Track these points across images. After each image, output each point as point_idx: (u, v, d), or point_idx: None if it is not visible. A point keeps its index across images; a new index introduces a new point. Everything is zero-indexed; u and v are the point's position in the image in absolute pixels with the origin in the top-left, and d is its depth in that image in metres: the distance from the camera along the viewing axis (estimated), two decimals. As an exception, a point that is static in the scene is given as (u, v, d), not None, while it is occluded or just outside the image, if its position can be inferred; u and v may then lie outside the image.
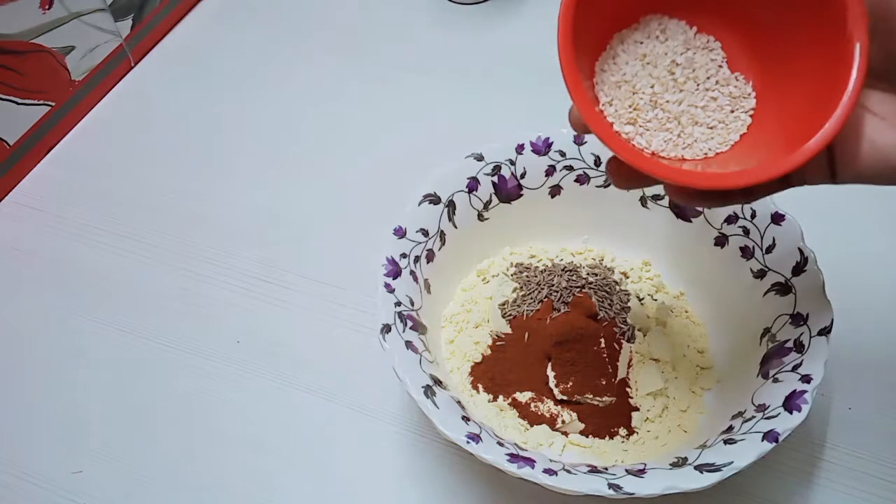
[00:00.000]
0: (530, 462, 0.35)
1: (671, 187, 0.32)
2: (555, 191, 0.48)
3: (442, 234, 0.46)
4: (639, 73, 0.32)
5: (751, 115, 0.33)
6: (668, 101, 0.32)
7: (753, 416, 0.38)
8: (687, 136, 0.32)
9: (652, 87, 0.32)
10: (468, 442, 0.36)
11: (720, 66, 0.33)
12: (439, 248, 0.46)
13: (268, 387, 0.48)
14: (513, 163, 0.47)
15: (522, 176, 0.48)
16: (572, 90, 0.29)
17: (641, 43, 0.33)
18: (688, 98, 0.32)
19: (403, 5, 0.71)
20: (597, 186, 0.48)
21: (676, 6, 0.33)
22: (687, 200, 0.32)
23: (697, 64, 0.33)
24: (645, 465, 0.36)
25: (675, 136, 0.32)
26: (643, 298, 0.48)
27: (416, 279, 0.44)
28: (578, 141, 0.48)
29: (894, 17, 0.28)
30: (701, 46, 0.33)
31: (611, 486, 0.35)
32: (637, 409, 0.44)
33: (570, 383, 0.43)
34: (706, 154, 0.32)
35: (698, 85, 0.32)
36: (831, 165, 0.30)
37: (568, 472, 0.36)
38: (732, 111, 0.33)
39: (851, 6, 0.28)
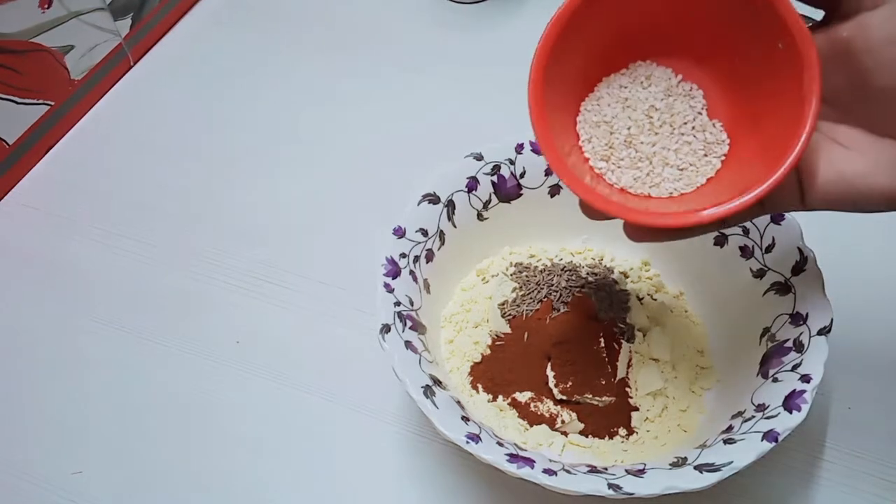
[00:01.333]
0: (530, 462, 0.35)
1: (627, 226, 0.34)
2: (554, 190, 0.48)
3: (441, 234, 0.46)
4: (618, 115, 0.35)
5: (721, 160, 0.34)
6: (642, 143, 0.35)
7: (753, 416, 0.38)
8: (656, 175, 0.34)
9: (629, 128, 0.35)
10: (468, 442, 0.36)
11: (699, 113, 0.35)
12: (439, 248, 0.46)
13: (268, 387, 0.48)
14: (512, 162, 0.47)
15: (522, 175, 0.48)
16: (543, 146, 0.32)
17: (626, 87, 0.35)
18: (662, 141, 0.35)
19: (403, 5, 0.71)
20: (596, 186, 0.48)
21: (663, 53, 0.35)
22: (643, 237, 0.35)
23: (676, 110, 0.35)
24: (645, 465, 0.36)
25: (644, 174, 0.34)
26: (643, 298, 0.48)
27: (415, 279, 0.44)
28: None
29: (853, 55, 0.30)
30: (682, 94, 0.35)
31: (610, 486, 0.35)
32: (637, 409, 0.44)
33: (570, 383, 0.43)
34: (671, 193, 0.34)
35: (674, 129, 0.35)
36: (801, 192, 0.32)
37: (567, 472, 0.36)
38: (706, 155, 0.35)
39: (808, 64, 0.30)
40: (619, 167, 0.35)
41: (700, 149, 0.34)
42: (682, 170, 0.34)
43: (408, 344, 0.40)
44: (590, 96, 0.35)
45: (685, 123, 0.35)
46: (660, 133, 0.35)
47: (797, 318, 0.41)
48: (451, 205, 0.46)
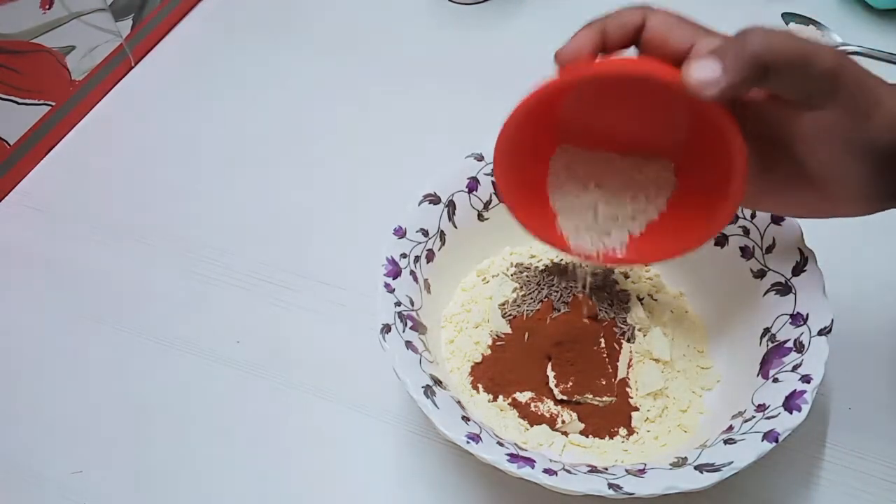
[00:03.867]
0: (530, 462, 0.35)
1: None
2: (555, 191, 0.48)
3: (442, 234, 0.46)
4: (581, 195, 0.40)
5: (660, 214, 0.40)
6: (602, 210, 0.39)
7: (753, 416, 0.38)
8: (605, 236, 0.40)
9: (587, 213, 0.40)
10: (468, 442, 0.36)
11: (658, 190, 0.39)
12: (439, 248, 0.46)
13: (268, 387, 0.48)
14: (513, 163, 0.47)
15: (522, 176, 0.48)
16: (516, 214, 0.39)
17: (586, 166, 0.39)
18: (619, 210, 0.39)
19: (403, 5, 0.71)
20: (597, 186, 0.48)
21: (630, 131, 0.39)
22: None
23: (629, 190, 0.39)
24: (645, 465, 0.37)
25: (597, 237, 0.40)
26: (643, 298, 0.48)
27: (416, 279, 0.44)
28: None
29: (799, 139, 0.33)
30: (637, 185, 0.39)
31: (611, 486, 0.35)
32: (637, 409, 0.44)
33: (570, 383, 0.43)
34: (616, 247, 0.40)
35: (628, 202, 0.39)
36: None
37: (568, 472, 0.36)
38: (652, 205, 0.39)
39: (736, 172, 0.34)
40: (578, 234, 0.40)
41: (652, 207, 0.39)
42: (633, 219, 0.40)
43: (408, 344, 0.40)
44: (551, 173, 0.40)
45: (634, 198, 0.39)
46: (620, 204, 0.39)
47: (797, 319, 0.41)
48: (451, 205, 0.46)
